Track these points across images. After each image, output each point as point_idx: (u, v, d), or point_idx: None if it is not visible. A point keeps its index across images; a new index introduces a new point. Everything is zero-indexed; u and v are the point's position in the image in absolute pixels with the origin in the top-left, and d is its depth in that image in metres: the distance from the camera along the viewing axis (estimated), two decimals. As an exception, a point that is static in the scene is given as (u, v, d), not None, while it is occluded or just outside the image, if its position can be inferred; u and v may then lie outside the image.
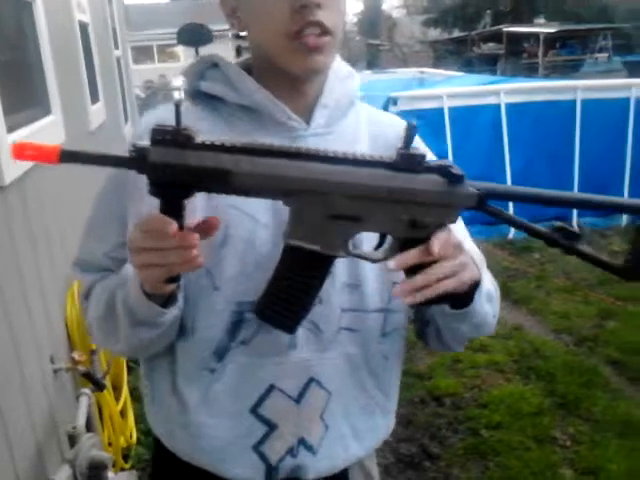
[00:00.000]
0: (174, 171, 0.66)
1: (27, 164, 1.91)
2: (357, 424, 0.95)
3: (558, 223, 0.76)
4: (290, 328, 0.80)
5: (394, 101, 5.30)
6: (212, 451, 0.90)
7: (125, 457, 2.41)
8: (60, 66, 2.71)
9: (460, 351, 1.00)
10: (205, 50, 8.86)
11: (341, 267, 0.87)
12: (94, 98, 3.89)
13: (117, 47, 6.20)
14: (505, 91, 5.48)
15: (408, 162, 0.71)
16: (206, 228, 0.71)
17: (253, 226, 0.84)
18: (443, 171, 0.72)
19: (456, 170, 0.73)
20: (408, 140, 0.71)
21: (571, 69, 14.51)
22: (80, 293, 0.97)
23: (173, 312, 0.82)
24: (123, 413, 2.46)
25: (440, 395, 2.93)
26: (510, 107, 5.38)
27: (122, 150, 0.69)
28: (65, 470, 1.58)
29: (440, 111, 5.32)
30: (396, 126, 0.97)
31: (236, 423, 0.89)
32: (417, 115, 5.47)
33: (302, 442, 0.90)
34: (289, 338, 0.86)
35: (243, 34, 0.90)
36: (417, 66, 12.29)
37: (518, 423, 2.71)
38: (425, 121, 5.46)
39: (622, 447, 2.52)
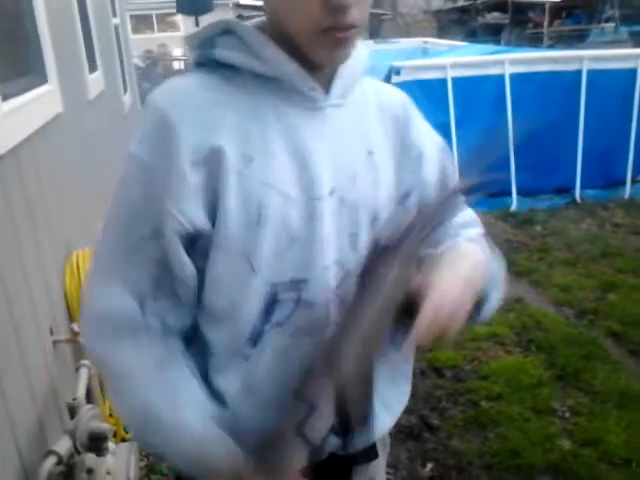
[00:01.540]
0: None
1: (23, 133, 1.88)
2: (385, 394, 0.95)
3: None
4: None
5: (397, 71, 5.24)
6: (255, 442, 0.86)
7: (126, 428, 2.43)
8: (56, 34, 2.66)
9: None
10: (205, 19, 8.72)
11: (364, 233, 0.87)
12: (92, 67, 3.84)
13: (115, 15, 6.10)
14: (510, 61, 5.40)
15: None
16: None
17: (284, 203, 0.81)
18: None
19: None
20: None
21: (577, 39, 14.30)
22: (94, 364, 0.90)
23: None
24: (124, 384, 2.46)
25: (440, 367, 2.94)
26: (515, 77, 5.30)
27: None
28: (65, 441, 1.58)
29: (443, 81, 5.26)
30: (399, 97, 0.99)
31: (278, 408, 0.86)
32: (420, 85, 5.43)
33: None
34: (324, 314, 0.84)
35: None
36: (420, 36, 12.12)
37: (518, 395, 2.72)
38: (428, 91, 5.41)
39: (621, 419, 2.53)
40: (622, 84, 5.42)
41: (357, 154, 0.88)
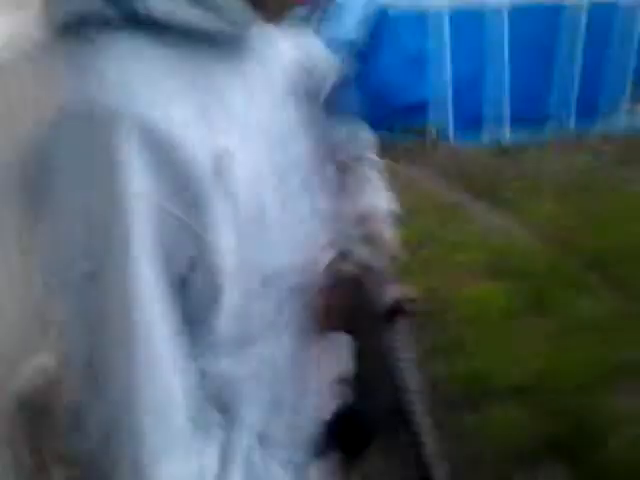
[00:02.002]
0: None
1: None
2: None
3: None
4: None
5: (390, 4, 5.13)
6: None
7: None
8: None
9: None
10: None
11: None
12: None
13: None
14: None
15: None
16: None
17: (267, 188, 0.66)
18: None
19: None
20: None
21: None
22: None
23: None
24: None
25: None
26: (513, 10, 5.16)
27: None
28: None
29: (438, 10, 5.13)
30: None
31: (305, 415, 0.78)
32: (414, 13, 5.26)
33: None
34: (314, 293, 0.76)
35: None
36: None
37: (488, 320, 2.73)
38: (422, 20, 5.25)
39: (588, 344, 2.55)
40: (618, 11, 5.30)
41: (286, 108, 0.74)
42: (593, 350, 2.52)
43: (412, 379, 0.71)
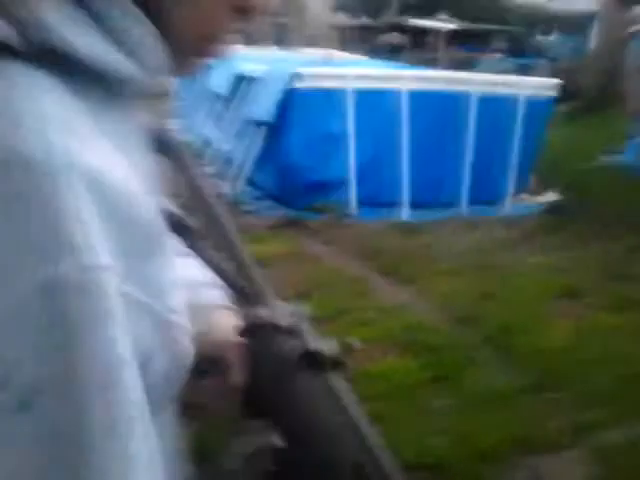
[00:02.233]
0: None
1: None
2: None
3: None
4: None
5: (299, 77, 5.29)
6: None
7: None
8: None
9: None
10: None
11: None
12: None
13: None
14: (409, 78, 5.60)
15: None
16: None
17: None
18: None
19: None
20: None
21: (468, 65, 15.14)
22: None
23: None
24: None
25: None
26: (412, 94, 5.48)
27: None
28: None
29: (344, 92, 5.36)
30: None
31: None
32: (321, 94, 5.49)
33: None
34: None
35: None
36: (325, 48, 12.25)
37: (395, 395, 2.81)
38: (329, 100, 5.49)
39: (491, 417, 2.68)
40: (505, 108, 5.79)
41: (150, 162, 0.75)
42: (499, 422, 2.64)
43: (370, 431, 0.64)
